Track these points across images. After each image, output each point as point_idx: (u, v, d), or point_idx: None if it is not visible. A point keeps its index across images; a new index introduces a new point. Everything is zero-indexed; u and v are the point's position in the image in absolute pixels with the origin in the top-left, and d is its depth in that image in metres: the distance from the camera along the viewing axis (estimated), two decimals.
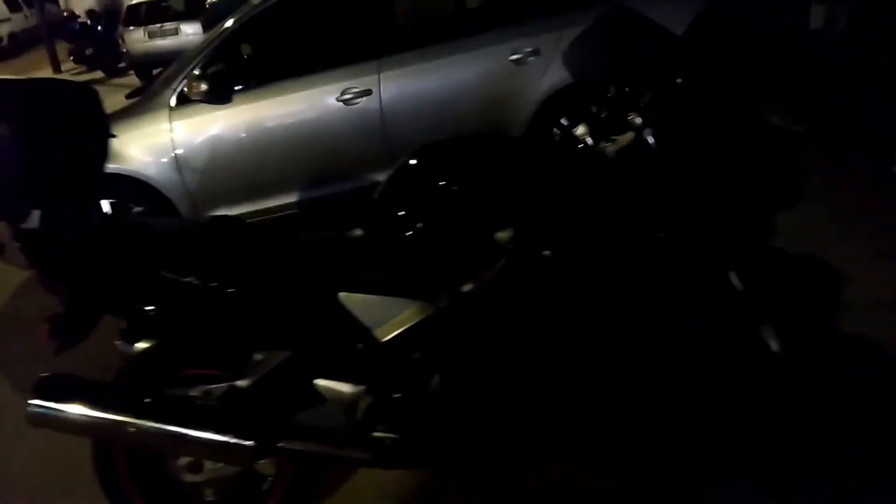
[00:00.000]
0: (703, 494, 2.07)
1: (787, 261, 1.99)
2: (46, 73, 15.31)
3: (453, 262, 1.77)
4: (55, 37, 15.67)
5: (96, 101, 1.83)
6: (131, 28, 13.32)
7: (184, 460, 1.88)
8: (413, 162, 1.86)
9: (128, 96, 4.16)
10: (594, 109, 1.94)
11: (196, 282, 1.77)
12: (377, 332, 1.79)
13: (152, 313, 1.79)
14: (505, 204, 1.78)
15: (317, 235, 1.96)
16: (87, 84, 1.88)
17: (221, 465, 1.87)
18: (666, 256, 1.78)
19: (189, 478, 1.90)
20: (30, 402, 1.71)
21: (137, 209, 3.80)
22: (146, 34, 12.98)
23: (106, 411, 1.72)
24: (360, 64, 3.85)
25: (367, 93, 3.82)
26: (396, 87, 3.85)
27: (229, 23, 3.97)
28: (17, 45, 19.57)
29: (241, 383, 1.76)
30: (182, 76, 3.82)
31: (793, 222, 3.36)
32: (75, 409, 1.72)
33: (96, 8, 17.07)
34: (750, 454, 2.08)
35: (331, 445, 1.83)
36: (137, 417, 1.72)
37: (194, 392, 1.82)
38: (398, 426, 1.84)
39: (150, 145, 3.79)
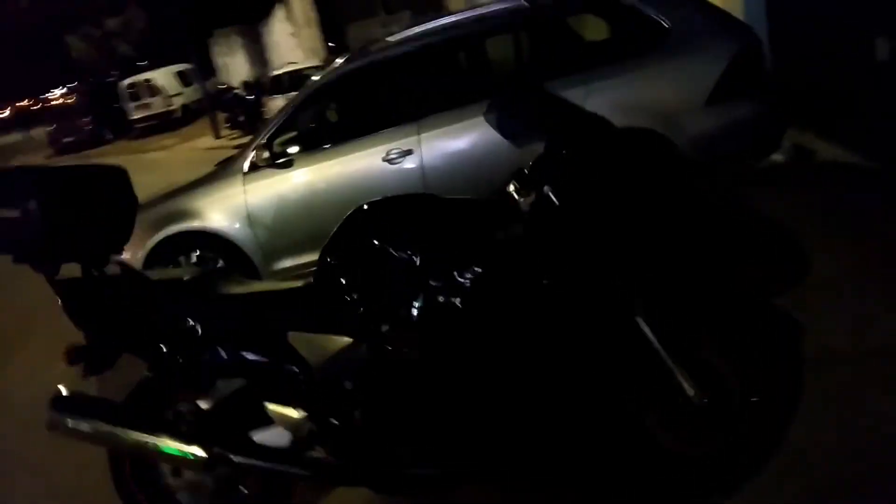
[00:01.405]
0: None
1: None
2: (208, 139, 17.30)
3: (376, 307, 2.07)
4: (216, 107, 17.69)
5: (124, 179, 2.33)
6: (275, 96, 14.88)
7: (167, 467, 2.30)
8: (349, 222, 2.19)
9: (217, 164, 4.85)
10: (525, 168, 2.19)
11: (185, 325, 2.20)
12: (317, 367, 2.12)
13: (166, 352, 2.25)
14: (423, 257, 2.05)
15: (274, 287, 2.34)
16: (118, 166, 2.36)
17: (194, 472, 2.26)
18: (552, 304, 1.97)
19: (172, 482, 2.31)
20: (49, 411, 2.20)
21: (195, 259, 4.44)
22: (286, 101, 14.42)
23: (104, 423, 2.17)
24: (402, 126, 4.27)
25: (409, 153, 4.22)
26: (435, 146, 4.22)
27: (288, 100, 4.57)
28: (189, 115, 22.37)
29: (203, 405, 2.14)
30: (253, 147, 4.44)
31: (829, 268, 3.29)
32: (82, 421, 2.18)
33: (250, 79, 19.16)
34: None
35: (276, 461, 2.16)
36: (126, 430, 2.16)
37: (172, 411, 2.24)
38: (334, 448, 2.14)
39: (228, 206, 4.44)
